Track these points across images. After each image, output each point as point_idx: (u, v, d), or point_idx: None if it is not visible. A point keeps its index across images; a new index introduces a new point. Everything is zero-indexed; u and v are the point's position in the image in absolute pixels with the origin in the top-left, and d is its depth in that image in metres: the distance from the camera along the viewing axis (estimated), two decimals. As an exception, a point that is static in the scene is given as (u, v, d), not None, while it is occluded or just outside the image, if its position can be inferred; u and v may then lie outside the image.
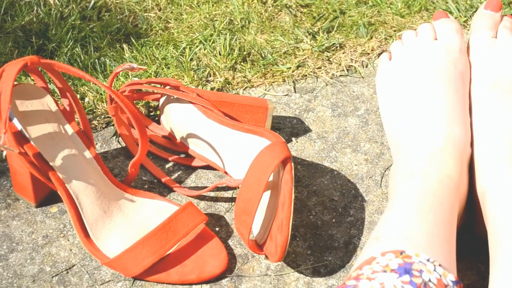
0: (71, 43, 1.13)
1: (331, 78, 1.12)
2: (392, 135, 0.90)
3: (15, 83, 0.85)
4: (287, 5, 1.24)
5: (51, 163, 0.86)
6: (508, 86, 0.89)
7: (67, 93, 0.90)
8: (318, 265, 0.87)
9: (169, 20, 1.21)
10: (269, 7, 1.24)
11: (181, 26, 1.20)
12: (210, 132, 0.95)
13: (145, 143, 0.88)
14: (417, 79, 0.91)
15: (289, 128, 1.04)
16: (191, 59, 1.12)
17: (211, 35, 1.16)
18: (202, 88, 1.08)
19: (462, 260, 0.86)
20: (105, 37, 1.15)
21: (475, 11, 1.23)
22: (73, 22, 1.17)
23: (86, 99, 1.04)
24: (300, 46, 1.16)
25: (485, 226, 0.81)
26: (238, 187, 0.93)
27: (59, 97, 1.01)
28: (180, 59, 1.12)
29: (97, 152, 0.96)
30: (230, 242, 0.90)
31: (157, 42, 1.16)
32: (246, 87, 1.09)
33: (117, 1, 1.23)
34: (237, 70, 1.11)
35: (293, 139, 1.02)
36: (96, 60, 1.11)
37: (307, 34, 1.18)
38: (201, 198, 0.94)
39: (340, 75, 1.13)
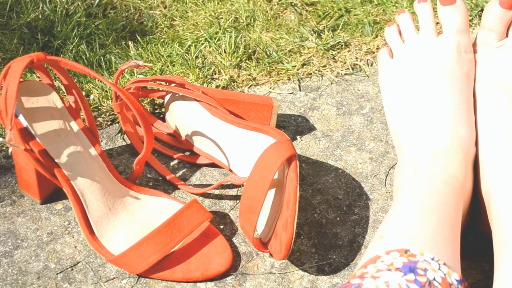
0: (76, 40, 1.13)
1: (336, 77, 1.12)
2: (397, 134, 0.90)
3: (21, 79, 0.85)
4: (293, 3, 1.24)
5: (56, 160, 0.87)
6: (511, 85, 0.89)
7: (73, 90, 0.90)
8: (322, 263, 0.87)
9: (175, 18, 1.21)
10: (275, 5, 1.24)
11: (186, 23, 1.20)
12: (215, 129, 0.95)
13: (151, 140, 0.88)
14: (422, 78, 0.90)
15: (294, 126, 1.04)
16: (196, 57, 1.12)
17: (217, 33, 1.16)
18: (207, 86, 1.08)
19: (467, 259, 0.86)
20: (110, 35, 1.15)
21: (480, 11, 1.23)
22: (78, 19, 1.17)
23: (91, 96, 1.04)
24: (305, 44, 1.16)
25: (489, 226, 0.81)
26: (243, 185, 0.93)
27: (64, 94, 1.01)
28: (185, 57, 1.12)
29: (102, 149, 0.96)
30: (234, 240, 0.90)
31: (162, 40, 1.16)
32: (251, 85, 1.09)
33: (122, -1, 1.24)
34: (242, 68, 1.11)
35: (298, 137, 1.02)
36: (102, 57, 1.11)
37: (312, 32, 1.18)
38: (206, 196, 0.94)
39: (345, 74, 1.13)
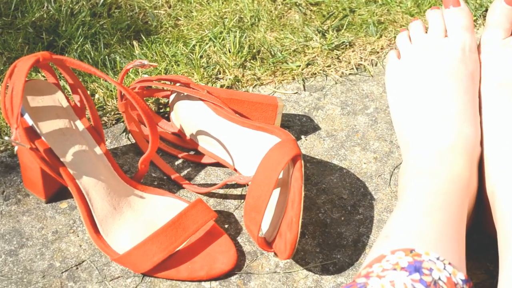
0: (81, 40, 1.13)
1: (341, 77, 1.12)
2: (402, 134, 0.90)
3: (26, 79, 0.85)
4: (297, 3, 1.24)
5: (61, 159, 0.87)
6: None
7: (78, 89, 0.90)
8: (327, 262, 0.87)
9: (179, 18, 1.21)
10: (279, 5, 1.24)
11: (191, 23, 1.20)
12: (220, 129, 0.95)
13: (156, 139, 0.88)
14: (427, 78, 0.90)
15: (299, 126, 1.04)
16: (201, 57, 1.12)
17: (221, 32, 1.17)
18: (212, 85, 1.08)
19: (471, 259, 0.86)
20: (115, 34, 1.16)
21: (484, 11, 1.23)
22: (83, 19, 1.17)
23: (96, 96, 1.05)
24: (309, 44, 1.16)
25: (494, 225, 0.81)
26: (248, 185, 0.93)
27: (69, 93, 1.01)
28: (190, 57, 1.12)
29: (107, 148, 0.97)
30: (239, 239, 0.90)
31: (167, 39, 1.16)
32: (255, 85, 1.10)
33: (127, -2, 1.24)
34: (246, 68, 1.11)
35: (302, 137, 1.02)
36: (106, 56, 1.11)
37: (316, 32, 1.18)
38: (211, 195, 0.95)
39: (350, 74, 1.13)
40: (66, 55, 1.11)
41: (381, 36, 1.18)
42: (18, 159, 0.90)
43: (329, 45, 1.15)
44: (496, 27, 0.93)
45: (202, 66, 1.10)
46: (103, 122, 1.02)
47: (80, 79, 1.07)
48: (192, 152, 1.00)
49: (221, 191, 0.95)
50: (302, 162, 0.82)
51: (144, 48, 1.14)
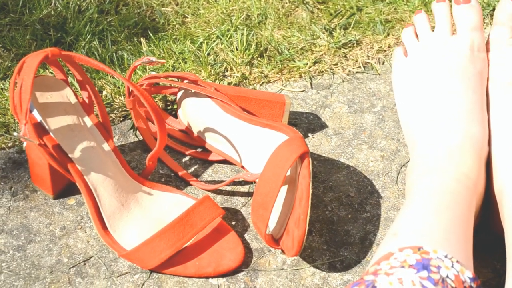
0: (88, 37, 1.13)
1: (348, 75, 1.12)
2: (409, 132, 0.90)
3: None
4: (304, 1, 1.24)
5: (70, 155, 0.87)
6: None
7: (86, 86, 0.90)
8: (334, 260, 0.88)
9: (186, 15, 1.21)
10: (286, 3, 1.24)
11: (198, 21, 1.20)
12: (228, 126, 0.95)
13: (164, 136, 0.88)
14: (435, 77, 0.90)
15: (306, 124, 1.04)
16: (208, 54, 1.12)
17: (228, 30, 1.17)
18: (219, 83, 1.08)
19: (478, 258, 0.86)
20: (122, 31, 1.16)
21: (492, 10, 1.23)
22: (91, 16, 1.17)
23: (104, 93, 1.05)
24: (317, 42, 1.16)
25: (501, 224, 0.81)
26: (255, 182, 0.93)
27: (77, 89, 1.01)
28: (197, 54, 1.12)
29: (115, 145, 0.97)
30: (246, 236, 0.90)
31: (174, 37, 1.16)
32: (263, 83, 1.10)
33: (134, -5, 1.24)
34: (254, 66, 1.11)
35: (309, 134, 1.02)
36: (114, 53, 1.11)
37: (324, 30, 1.18)
38: (218, 192, 0.95)
39: (357, 72, 1.13)
40: (74, 52, 1.11)
41: (388, 34, 1.18)
42: (26, 155, 0.90)
43: (336, 43, 1.15)
44: (504, 26, 0.93)
45: (210, 64, 1.10)
46: (110, 118, 1.02)
47: (88, 76, 1.07)
48: (199, 149, 1.00)
49: (229, 188, 0.95)
50: (310, 159, 0.82)
51: (152, 45, 1.14)
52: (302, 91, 1.09)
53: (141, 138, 1.01)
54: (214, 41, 1.15)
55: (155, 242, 0.84)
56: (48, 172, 0.89)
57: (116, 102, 1.04)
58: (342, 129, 1.03)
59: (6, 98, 1.02)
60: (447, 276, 0.68)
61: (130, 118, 1.03)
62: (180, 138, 1.01)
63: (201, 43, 1.14)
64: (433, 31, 0.96)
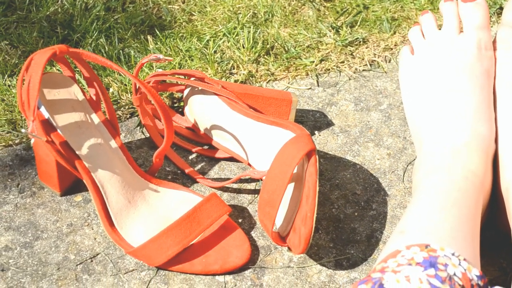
0: (95, 34, 1.13)
1: (354, 73, 1.12)
2: (416, 130, 0.90)
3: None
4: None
5: (77, 152, 0.87)
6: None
7: (94, 83, 0.90)
8: (340, 258, 0.88)
9: (193, 13, 1.21)
10: (293, 1, 1.24)
11: (204, 18, 1.20)
12: (234, 124, 0.95)
13: (171, 133, 0.89)
14: (442, 75, 0.90)
15: (312, 121, 1.04)
16: (215, 52, 1.12)
17: (235, 28, 1.17)
18: (226, 80, 1.08)
19: (484, 256, 0.85)
20: (129, 29, 1.16)
21: (498, 8, 1.22)
22: (97, 13, 1.17)
23: (111, 90, 1.05)
24: (323, 40, 1.16)
25: (508, 222, 0.81)
26: (261, 179, 0.94)
27: (84, 86, 1.01)
28: (204, 51, 1.12)
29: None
30: (253, 233, 0.90)
31: (181, 34, 1.16)
32: (269, 80, 1.10)
33: (141, -7, 1.24)
34: (260, 63, 1.11)
35: (316, 132, 1.02)
36: (121, 51, 1.11)
37: (330, 28, 1.18)
38: (224, 189, 0.95)
39: (363, 70, 1.13)
40: (81, 49, 1.11)
41: (394, 32, 1.18)
42: (34, 152, 0.90)
43: (342, 41, 1.15)
44: (511, 25, 0.93)
45: (216, 61, 1.10)
46: (117, 116, 1.03)
47: (95, 73, 1.07)
48: (206, 147, 1.00)
49: (235, 186, 0.95)
50: (317, 157, 0.82)
51: (158, 43, 1.14)
52: (308, 88, 1.09)
53: (148, 135, 1.01)
54: (220, 39, 1.15)
55: (162, 239, 0.84)
56: (55, 169, 0.89)
57: (123, 99, 1.04)
58: (348, 127, 1.03)
59: (13, 95, 1.03)
60: (454, 274, 0.68)
61: (137, 115, 1.03)
62: (186, 136, 1.01)
63: (207, 40, 1.14)
64: (440, 30, 0.96)
